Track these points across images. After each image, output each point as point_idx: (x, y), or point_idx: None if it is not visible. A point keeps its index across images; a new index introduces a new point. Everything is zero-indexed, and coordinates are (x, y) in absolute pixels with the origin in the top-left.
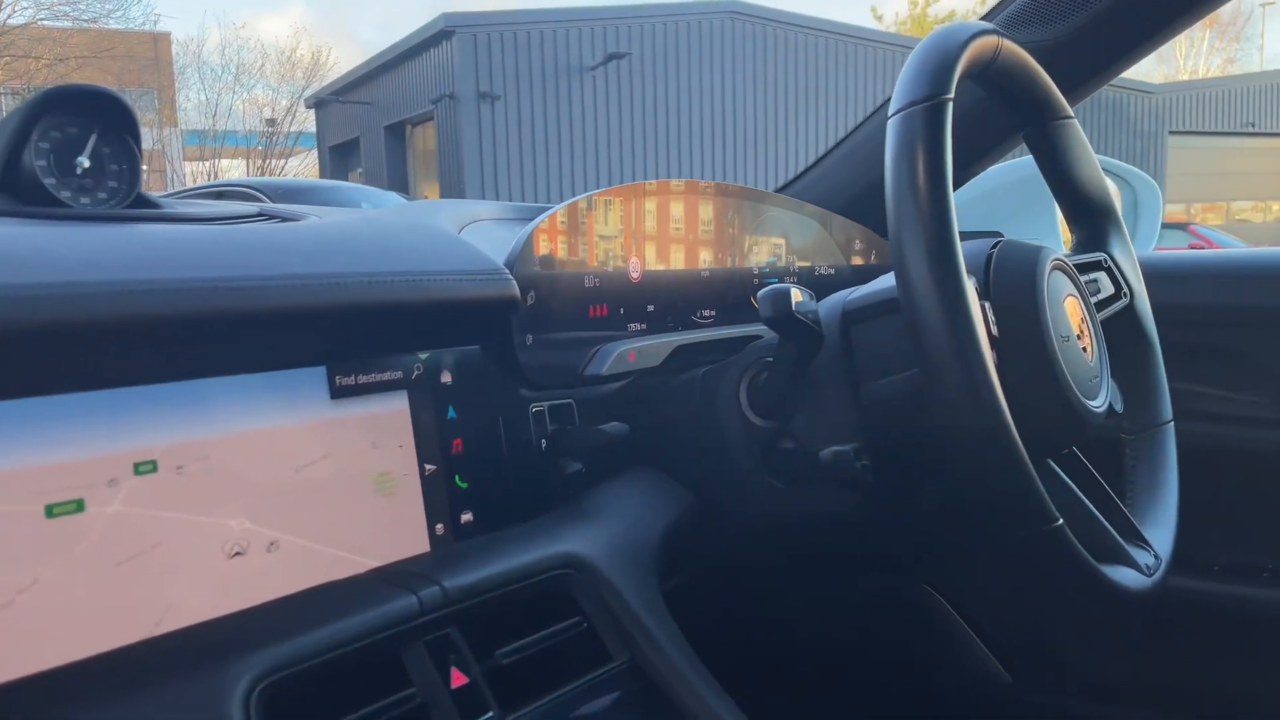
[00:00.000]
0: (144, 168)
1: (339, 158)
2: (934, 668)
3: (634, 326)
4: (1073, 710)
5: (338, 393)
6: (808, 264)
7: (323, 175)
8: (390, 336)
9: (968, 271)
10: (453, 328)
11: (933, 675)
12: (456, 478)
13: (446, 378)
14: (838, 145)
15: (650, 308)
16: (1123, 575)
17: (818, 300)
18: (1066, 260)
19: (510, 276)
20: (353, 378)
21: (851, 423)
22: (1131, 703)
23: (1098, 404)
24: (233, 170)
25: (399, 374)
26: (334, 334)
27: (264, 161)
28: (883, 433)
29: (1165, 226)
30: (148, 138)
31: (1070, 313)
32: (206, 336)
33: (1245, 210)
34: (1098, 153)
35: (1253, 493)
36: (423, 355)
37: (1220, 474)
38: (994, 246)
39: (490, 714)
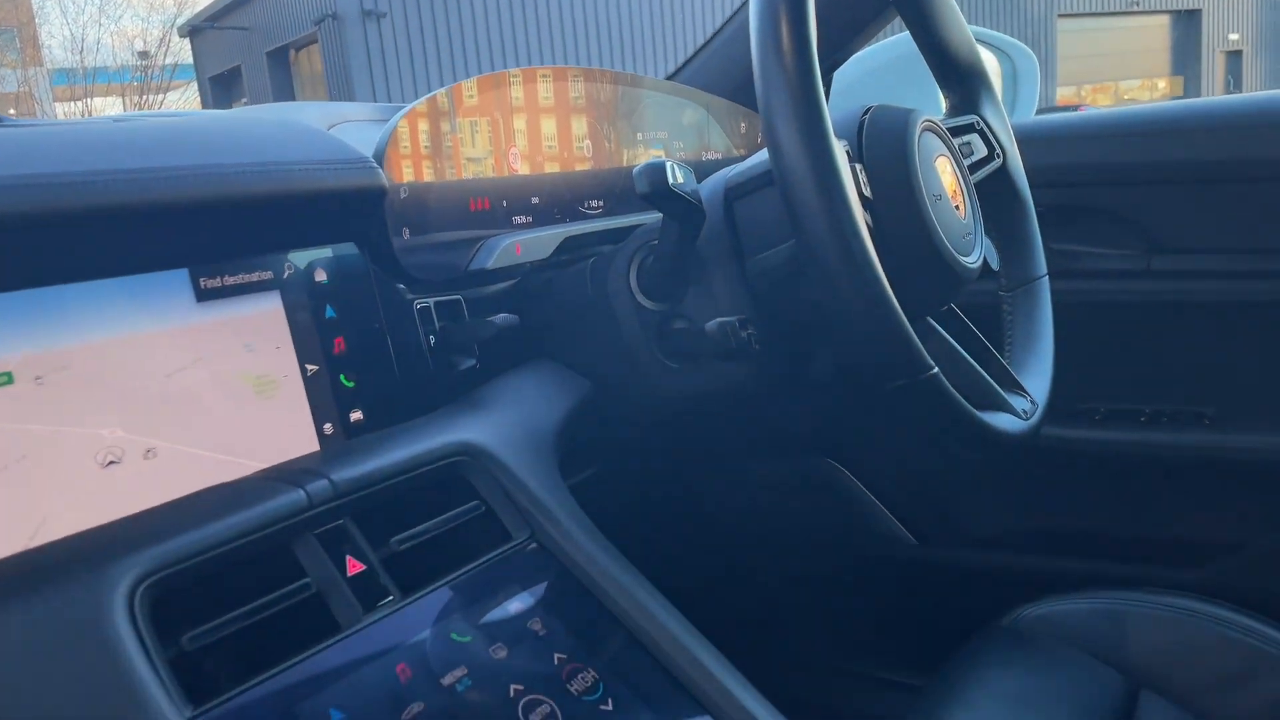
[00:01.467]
0: (11, 111)
1: (221, 89)
2: (841, 537)
3: (519, 219)
4: (973, 563)
5: (203, 295)
6: (695, 150)
7: (205, 107)
8: (255, 235)
9: (840, 137)
10: (323, 224)
11: (840, 544)
12: (342, 377)
13: (322, 276)
14: (722, 29)
15: (535, 200)
16: (1001, 420)
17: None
18: (938, 122)
19: (376, 166)
20: (219, 279)
21: (739, 297)
22: (1027, 551)
23: (972, 260)
24: (108, 108)
25: (269, 274)
26: (193, 233)
27: (140, 97)
28: (769, 304)
29: (1056, 109)
30: (11, 79)
31: (942, 172)
32: (52, 239)
33: (1133, 89)
34: None
35: (1129, 342)
36: (294, 254)
37: (1098, 327)
38: (865, 112)
39: (390, 598)
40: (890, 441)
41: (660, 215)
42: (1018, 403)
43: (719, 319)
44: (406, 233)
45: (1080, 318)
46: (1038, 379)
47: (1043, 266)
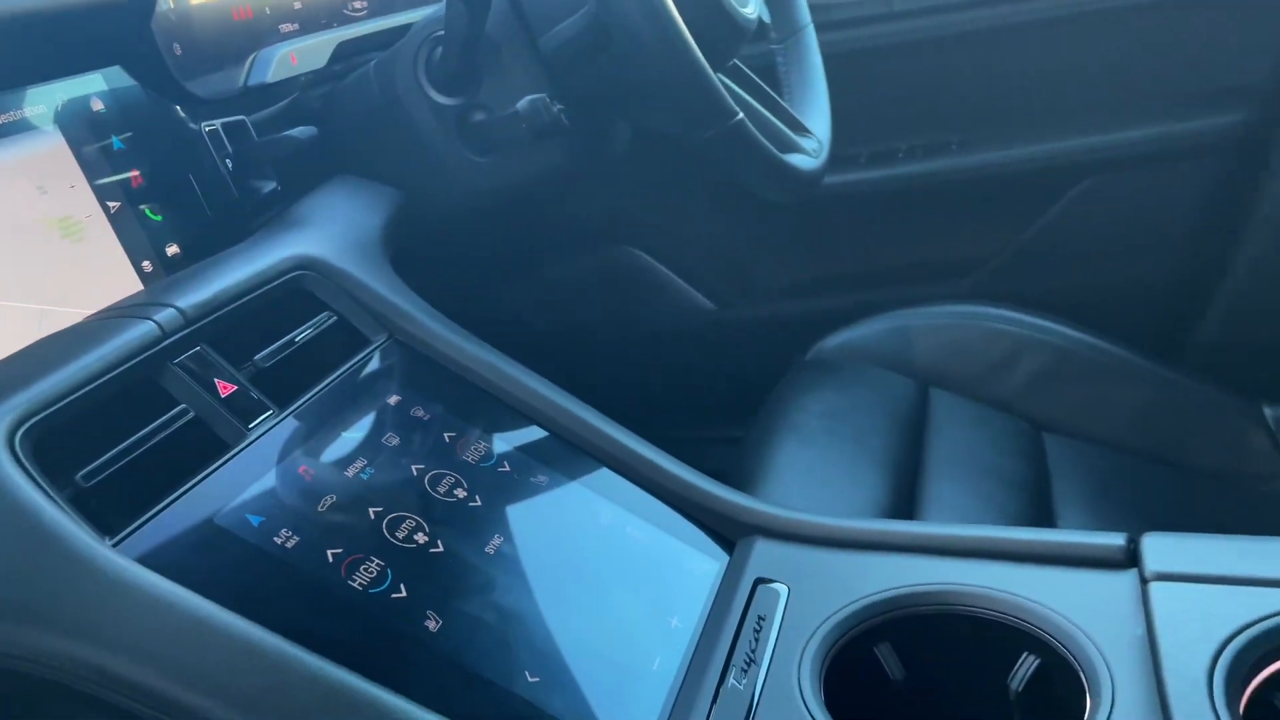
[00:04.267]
0: None
1: None
2: (648, 309)
3: (286, 27)
4: (771, 316)
5: None
6: None
7: None
8: (15, 63)
9: None
10: (85, 47)
11: (647, 316)
12: (147, 210)
13: (99, 106)
14: None
15: (297, 5)
16: (797, 160)
17: None
18: None
19: None
20: None
21: (537, 77)
22: (818, 295)
23: (749, 10)
24: None
25: (40, 108)
26: None
27: None
28: (571, 77)
29: None
30: None
31: None
32: None
33: None
34: None
35: (879, 85)
36: (63, 83)
37: (851, 74)
38: None
39: (269, 411)
40: (686, 213)
41: (440, 5)
42: (807, 143)
43: (529, 96)
44: (178, 49)
45: (833, 67)
46: (819, 119)
47: (807, 16)
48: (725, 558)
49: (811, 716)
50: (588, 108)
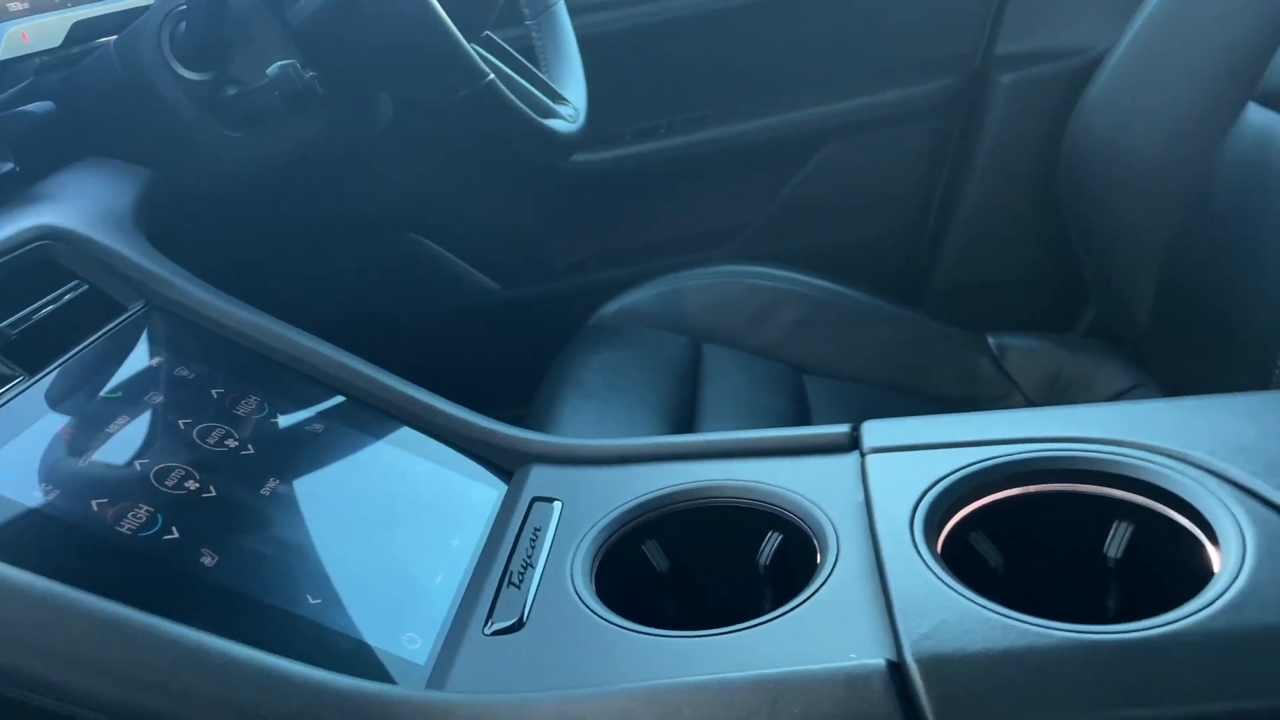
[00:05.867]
0: None
1: None
2: (434, 295)
3: (14, 5)
4: (554, 292)
5: None
6: None
7: None
8: None
9: None
10: None
11: (434, 301)
12: None
13: None
14: None
15: None
16: (555, 124)
17: None
18: None
19: None
20: None
21: (287, 48)
22: (597, 270)
23: None
24: None
25: None
26: None
27: None
28: (321, 46)
29: None
30: None
31: None
32: None
33: None
34: None
35: (640, 63)
36: None
37: (611, 55)
38: None
39: (19, 378)
40: (465, 198)
41: None
42: (564, 110)
43: (279, 63)
44: None
45: (593, 49)
46: (575, 89)
47: None
48: (504, 486)
49: (585, 604)
50: (341, 75)
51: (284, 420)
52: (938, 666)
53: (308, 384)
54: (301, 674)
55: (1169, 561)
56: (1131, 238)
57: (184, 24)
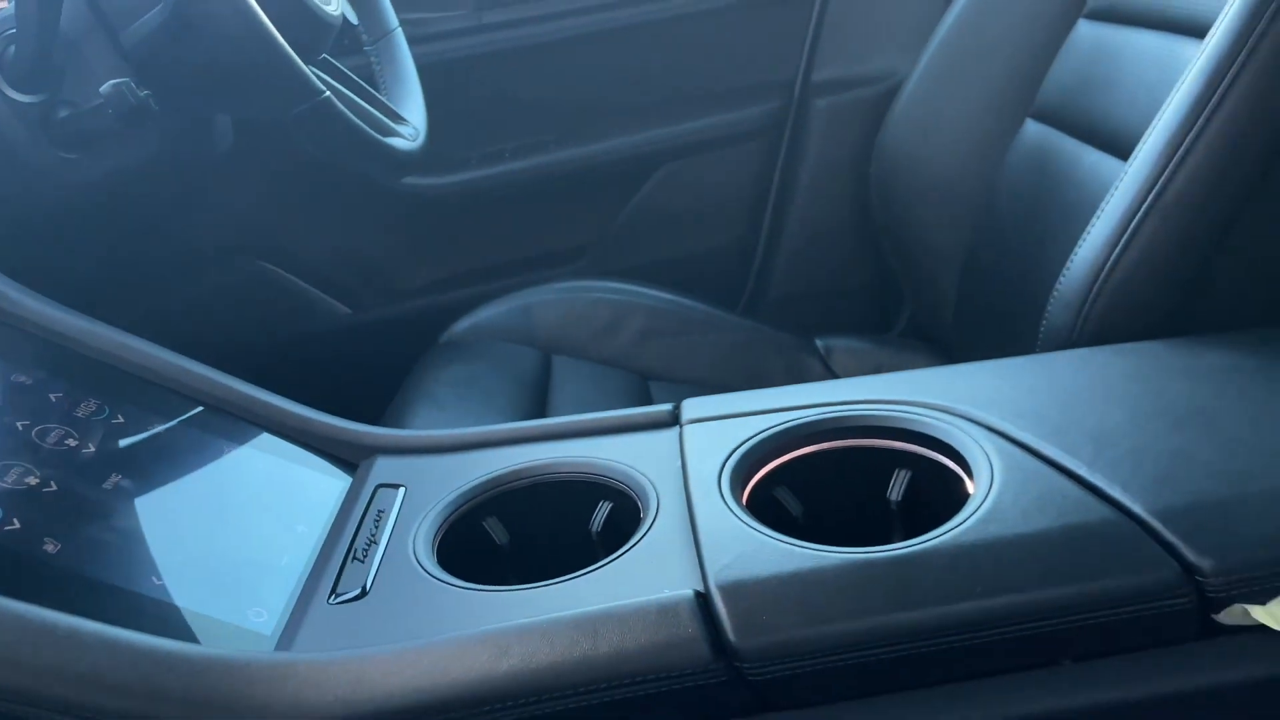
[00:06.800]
0: None
1: None
2: (283, 320)
3: None
4: (406, 313)
5: None
6: None
7: None
8: None
9: None
10: None
11: (283, 327)
12: None
13: None
14: None
15: None
16: (395, 142)
17: None
18: None
19: None
20: None
21: (120, 70)
22: (450, 290)
23: (332, 9)
24: None
25: None
26: None
27: None
28: (154, 67)
29: None
30: None
31: None
32: None
33: None
34: None
35: (482, 92)
36: None
37: (455, 84)
38: None
39: None
40: (312, 223)
41: (9, 4)
42: (404, 129)
43: (112, 81)
44: None
45: (436, 77)
46: (414, 109)
47: (395, 19)
48: (349, 478)
49: (426, 571)
50: (175, 95)
51: (125, 420)
52: (736, 590)
53: (149, 388)
54: (148, 643)
55: (940, 498)
56: (934, 246)
57: (12, 47)
